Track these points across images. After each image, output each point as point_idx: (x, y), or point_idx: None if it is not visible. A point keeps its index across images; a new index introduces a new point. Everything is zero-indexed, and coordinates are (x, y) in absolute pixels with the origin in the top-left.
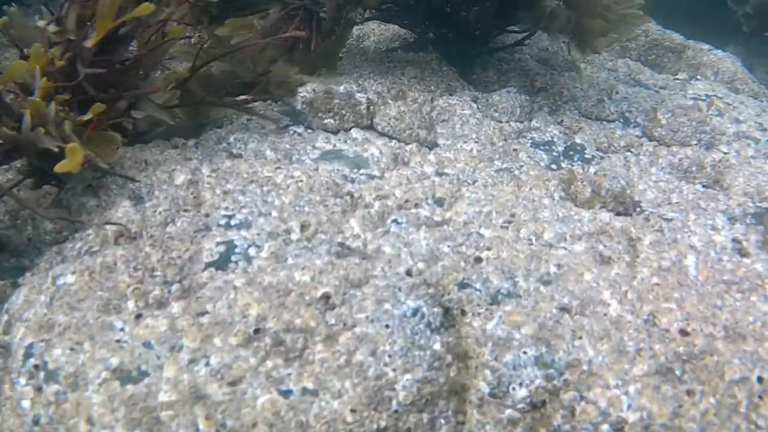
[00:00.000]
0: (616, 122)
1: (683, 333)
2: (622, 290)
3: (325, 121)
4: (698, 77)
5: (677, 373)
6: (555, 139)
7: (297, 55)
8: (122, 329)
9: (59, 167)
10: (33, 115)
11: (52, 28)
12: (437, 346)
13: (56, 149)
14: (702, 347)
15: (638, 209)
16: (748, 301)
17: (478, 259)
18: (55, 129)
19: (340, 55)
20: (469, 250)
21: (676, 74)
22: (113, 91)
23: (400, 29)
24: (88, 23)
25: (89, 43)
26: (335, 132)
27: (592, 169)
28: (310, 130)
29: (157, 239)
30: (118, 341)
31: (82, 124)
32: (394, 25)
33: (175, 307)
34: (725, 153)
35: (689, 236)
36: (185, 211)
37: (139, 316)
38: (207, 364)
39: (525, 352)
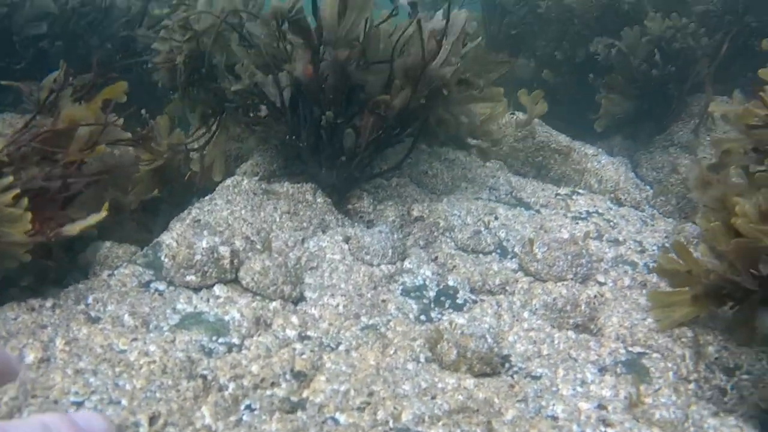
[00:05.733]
0: (493, 254)
1: None
2: None
3: (188, 278)
4: (580, 191)
5: None
6: (427, 282)
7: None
8: None
9: None
10: None
11: None
12: None
13: None
14: None
15: (507, 365)
16: None
17: None
18: None
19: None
20: None
21: (560, 182)
22: None
23: (281, 149)
24: None
25: None
26: (198, 289)
27: (460, 320)
28: (172, 287)
29: None
30: None
31: None
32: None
33: None
34: (602, 284)
35: (554, 405)
36: (33, 397)
37: None
38: None
39: None
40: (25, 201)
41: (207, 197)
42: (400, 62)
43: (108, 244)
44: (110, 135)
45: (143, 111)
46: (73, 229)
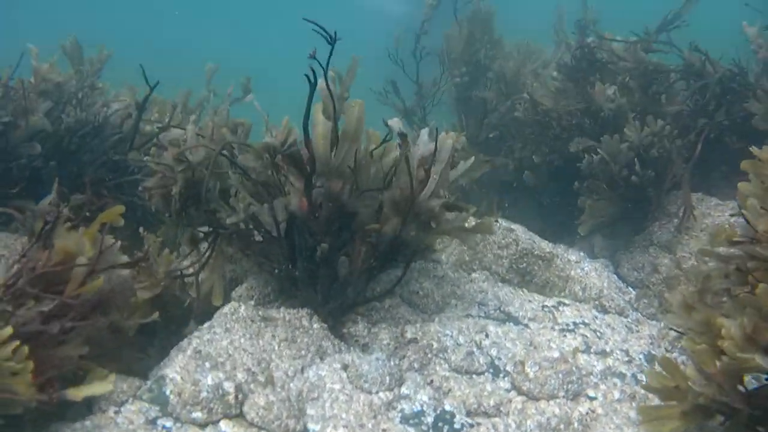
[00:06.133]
0: (486, 374)
1: None
2: None
3: (194, 415)
4: (566, 301)
5: None
6: (424, 408)
7: None
8: None
9: None
10: None
11: None
12: None
13: None
14: None
15: None
16: None
17: None
18: None
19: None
20: None
21: (545, 288)
22: None
23: (275, 274)
24: None
25: None
26: (204, 425)
27: None
28: (179, 424)
29: None
30: None
31: None
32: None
33: None
34: (592, 399)
35: None
36: None
37: None
38: None
39: None
40: (25, 351)
41: (206, 325)
42: (389, 195)
43: (112, 378)
44: (107, 259)
45: (141, 229)
46: (77, 394)
